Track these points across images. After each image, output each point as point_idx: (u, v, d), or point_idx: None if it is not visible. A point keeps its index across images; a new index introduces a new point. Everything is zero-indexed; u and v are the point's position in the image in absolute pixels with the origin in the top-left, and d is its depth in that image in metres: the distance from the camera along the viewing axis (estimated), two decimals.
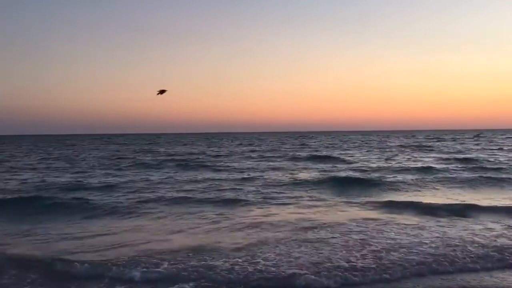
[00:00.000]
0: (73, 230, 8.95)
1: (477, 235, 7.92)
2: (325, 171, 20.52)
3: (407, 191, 14.49)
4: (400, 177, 17.44)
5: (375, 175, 18.23)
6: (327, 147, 47.12)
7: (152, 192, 14.17)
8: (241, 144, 61.83)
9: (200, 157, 32.23)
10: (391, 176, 17.81)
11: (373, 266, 6.18)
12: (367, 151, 37.57)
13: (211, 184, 16.01)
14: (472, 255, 6.67)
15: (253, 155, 33.88)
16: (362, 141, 65.85)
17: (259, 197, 12.91)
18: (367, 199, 12.53)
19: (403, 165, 22.31)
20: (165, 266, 6.24)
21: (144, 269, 6.10)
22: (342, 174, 18.74)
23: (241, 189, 14.63)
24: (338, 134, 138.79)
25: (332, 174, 18.74)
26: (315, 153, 33.75)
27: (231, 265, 6.25)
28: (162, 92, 7.75)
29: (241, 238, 7.91)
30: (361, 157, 29.62)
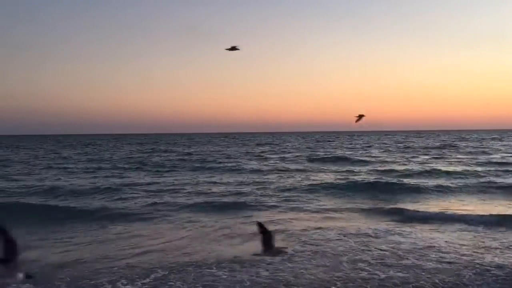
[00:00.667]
0: None
1: None
2: (351, 173, 20.04)
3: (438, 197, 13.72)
4: (429, 181, 16.66)
5: (405, 179, 17.21)
6: (348, 147, 46.33)
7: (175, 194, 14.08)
8: (260, 144, 61.43)
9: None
10: (422, 180, 16.98)
11: None
12: (396, 152, 36.32)
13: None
14: None
15: (273, 156, 33.50)
16: (386, 141, 64.41)
17: (280, 201, 12.65)
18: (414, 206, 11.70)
19: (430, 167, 21.41)
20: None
21: None
22: (371, 178, 17.78)
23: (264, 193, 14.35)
24: (358, 134, 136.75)
25: (360, 178, 17.91)
26: (338, 154, 32.93)
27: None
28: (233, 48, 6.90)
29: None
30: (389, 159, 28.43)
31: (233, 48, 6.85)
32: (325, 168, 23.33)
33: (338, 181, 16.69)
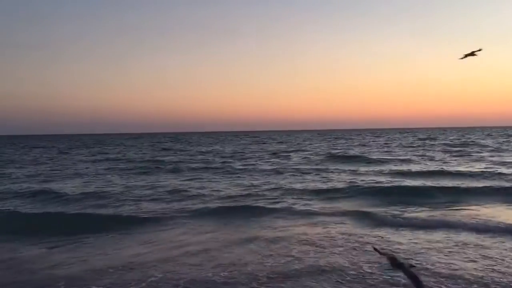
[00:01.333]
0: None
1: None
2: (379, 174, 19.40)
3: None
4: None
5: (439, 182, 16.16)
6: (373, 146, 45.49)
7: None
8: (281, 142, 61.03)
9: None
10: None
11: None
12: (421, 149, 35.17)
13: None
14: None
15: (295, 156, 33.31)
16: (412, 140, 63.09)
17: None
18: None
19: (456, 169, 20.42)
20: None
21: None
22: (397, 182, 16.38)
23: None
24: (377, 132, 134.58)
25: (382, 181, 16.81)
26: (365, 155, 31.29)
27: None
28: (471, 54, 6.12)
29: None
30: (416, 159, 27.17)
31: (471, 54, 6.05)
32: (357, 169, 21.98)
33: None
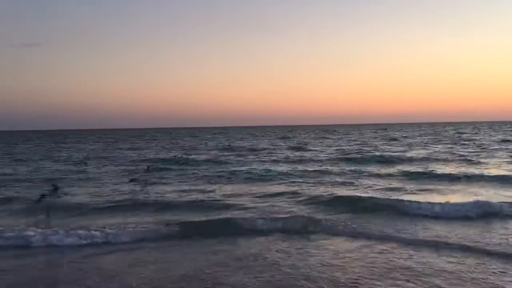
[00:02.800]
0: None
1: None
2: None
3: None
4: None
5: None
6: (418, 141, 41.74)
7: None
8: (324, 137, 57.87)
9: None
10: None
11: None
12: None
13: None
14: None
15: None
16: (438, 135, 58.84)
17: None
18: None
19: None
20: None
21: None
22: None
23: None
24: (408, 126, 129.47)
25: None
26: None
27: None
28: None
29: None
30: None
31: None
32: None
33: None
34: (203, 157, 27.62)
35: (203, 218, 9.61)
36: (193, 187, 14.75)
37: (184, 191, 13.95)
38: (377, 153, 27.27)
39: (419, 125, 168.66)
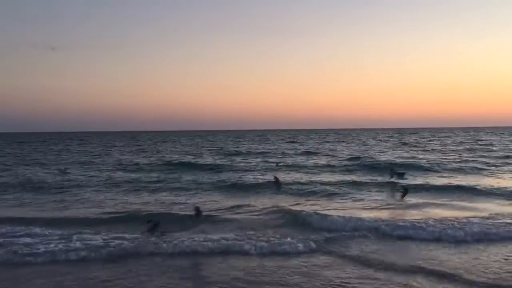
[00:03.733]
0: None
1: None
2: None
3: None
4: None
5: None
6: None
7: None
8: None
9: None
10: None
11: None
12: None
13: None
14: None
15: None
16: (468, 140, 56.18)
17: None
18: None
19: None
20: None
21: None
22: None
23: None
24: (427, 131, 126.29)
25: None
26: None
27: None
28: None
29: None
30: None
31: None
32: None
33: None
34: None
35: None
36: None
37: None
38: None
39: (440, 129, 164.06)
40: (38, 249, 7.87)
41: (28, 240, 8.49)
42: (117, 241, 8.26)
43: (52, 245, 8.06)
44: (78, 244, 8.09)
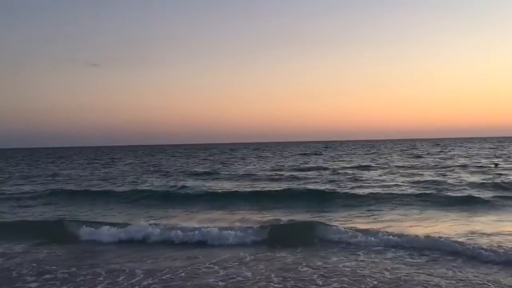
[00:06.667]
0: None
1: None
2: None
3: None
4: None
5: None
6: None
7: None
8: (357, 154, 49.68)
9: None
10: None
11: None
12: None
13: None
14: None
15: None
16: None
17: None
18: None
19: None
20: None
21: None
22: None
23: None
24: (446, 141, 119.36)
25: None
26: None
27: None
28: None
29: None
30: None
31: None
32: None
33: None
34: None
35: None
36: None
37: None
38: None
39: (470, 139, 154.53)
40: None
41: None
42: None
43: None
44: None
